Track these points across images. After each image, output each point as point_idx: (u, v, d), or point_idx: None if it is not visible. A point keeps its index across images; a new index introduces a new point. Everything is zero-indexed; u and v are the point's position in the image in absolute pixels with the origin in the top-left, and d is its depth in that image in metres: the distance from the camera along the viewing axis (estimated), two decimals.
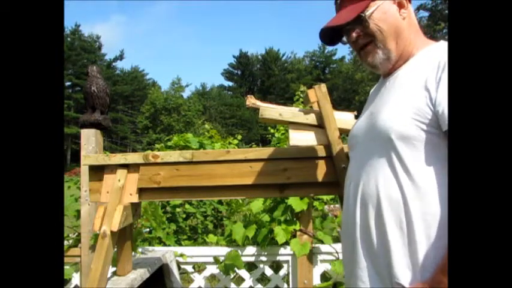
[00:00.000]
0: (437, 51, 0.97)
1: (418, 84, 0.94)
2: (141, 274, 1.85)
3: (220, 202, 4.03)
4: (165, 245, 3.10)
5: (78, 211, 2.60)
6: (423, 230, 0.89)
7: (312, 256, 2.21)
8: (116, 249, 1.75)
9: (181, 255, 2.58)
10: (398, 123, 0.93)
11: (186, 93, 46.90)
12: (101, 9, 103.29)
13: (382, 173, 0.97)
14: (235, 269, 2.53)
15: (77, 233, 2.66)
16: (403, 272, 0.91)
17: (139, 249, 2.39)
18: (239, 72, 55.42)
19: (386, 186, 0.95)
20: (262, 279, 2.75)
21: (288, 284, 2.60)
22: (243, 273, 2.63)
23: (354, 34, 1.05)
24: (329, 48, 48.71)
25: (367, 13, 1.01)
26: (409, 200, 0.91)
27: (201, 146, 3.82)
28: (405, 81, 1.00)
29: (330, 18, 1.07)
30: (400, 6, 1.04)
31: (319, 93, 1.56)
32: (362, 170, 1.03)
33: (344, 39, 1.11)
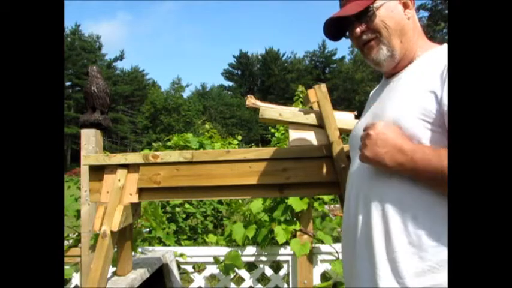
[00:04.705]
0: (445, 54, 0.96)
1: (425, 87, 0.93)
2: (141, 274, 1.85)
3: (220, 202, 4.03)
4: (165, 245, 3.10)
5: (78, 211, 2.60)
6: (429, 230, 0.88)
7: (312, 256, 2.21)
8: (116, 249, 1.75)
9: (181, 255, 2.58)
10: (406, 123, 0.93)
11: (186, 93, 47.02)
12: (107, 8, 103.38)
13: (386, 173, 0.96)
14: (235, 269, 2.53)
15: (77, 233, 2.66)
16: (409, 274, 0.89)
17: (139, 249, 2.39)
18: (239, 72, 55.43)
19: (391, 185, 0.94)
20: (262, 279, 2.75)
21: (288, 284, 2.60)
22: (243, 273, 2.63)
23: (358, 29, 1.04)
24: (329, 48, 48.66)
25: (374, 7, 1.01)
26: (414, 200, 0.91)
27: (201, 146, 3.82)
28: (410, 83, 1.00)
29: (335, 12, 1.07)
30: (405, 6, 1.04)
31: (319, 93, 1.56)
32: (364, 170, 1.02)
33: (347, 34, 1.11)
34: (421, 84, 0.95)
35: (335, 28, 1.10)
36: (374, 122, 0.99)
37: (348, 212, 1.08)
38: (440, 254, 0.87)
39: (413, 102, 0.94)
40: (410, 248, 0.90)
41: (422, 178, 0.89)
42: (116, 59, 48.88)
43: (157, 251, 2.42)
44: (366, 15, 1.02)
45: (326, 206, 3.31)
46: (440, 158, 0.85)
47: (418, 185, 0.91)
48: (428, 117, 0.91)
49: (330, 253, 2.48)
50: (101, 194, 1.64)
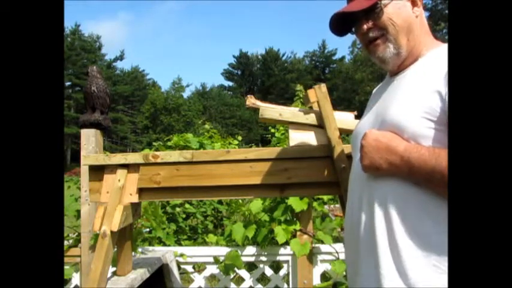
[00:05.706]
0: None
1: (429, 85, 0.93)
2: (141, 274, 1.85)
3: (220, 202, 4.03)
4: (165, 245, 3.10)
5: (78, 211, 2.60)
6: (433, 230, 0.88)
7: (312, 256, 2.21)
8: (116, 249, 1.75)
9: (181, 255, 2.58)
10: (410, 122, 0.93)
11: (186, 93, 47.09)
12: (108, 8, 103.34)
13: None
14: (235, 269, 2.53)
15: (77, 233, 2.66)
16: (415, 274, 0.88)
17: (139, 249, 2.39)
18: (239, 72, 55.43)
19: (394, 184, 0.94)
20: (262, 279, 2.75)
21: (288, 284, 2.60)
22: (243, 273, 2.63)
23: (365, 26, 1.04)
24: (329, 48, 48.70)
25: (382, 3, 1.01)
26: (417, 199, 0.90)
27: (201, 146, 3.82)
28: (414, 81, 0.99)
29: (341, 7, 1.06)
30: (413, 4, 1.04)
31: (319, 93, 1.55)
32: None
33: (353, 30, 1.10)
34: (425, 82, 0.95)
35: (341, 24, 1.10)
36: (368, 130, 0.99)
37: (351, 211, 1.08)
38: (445, 254, 0.86)
39: (417, 101, 0.93)
40: (414, 248, 0.89)
41: (419, 178, 0.89)
42: (116, 59, 48.91)
43: (157, 251, 2.42)
44: (373, 11, 1.01)
45: (326, 206, 3.31)
46: (437, 159, 0.85)
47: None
48: (432, 115, 0.90)
49: (330, 253, 2.47)
50: (101, 194, 1.64)
